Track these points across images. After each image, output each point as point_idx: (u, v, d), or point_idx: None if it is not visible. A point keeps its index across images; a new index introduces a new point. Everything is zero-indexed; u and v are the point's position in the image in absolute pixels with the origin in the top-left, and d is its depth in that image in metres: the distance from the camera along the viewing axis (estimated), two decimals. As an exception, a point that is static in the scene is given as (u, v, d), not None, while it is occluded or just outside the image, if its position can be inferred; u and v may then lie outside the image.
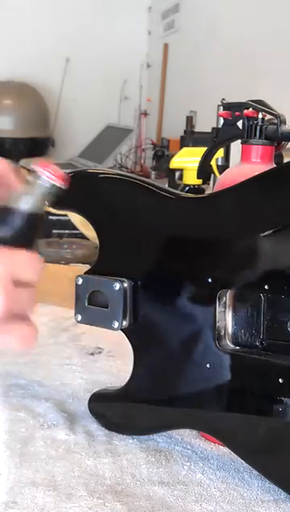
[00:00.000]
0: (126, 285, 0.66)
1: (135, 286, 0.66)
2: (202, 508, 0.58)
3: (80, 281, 0.68)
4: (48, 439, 0.68)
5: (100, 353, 0.93)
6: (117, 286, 0.65)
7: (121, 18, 4.02)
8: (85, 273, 0.69)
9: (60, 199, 0.75)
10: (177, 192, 0.66)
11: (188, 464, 0.65)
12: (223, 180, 0.67)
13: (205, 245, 0.62)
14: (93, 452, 0.66)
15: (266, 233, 0.57)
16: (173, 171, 1.91)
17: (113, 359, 0.90)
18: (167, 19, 3.67)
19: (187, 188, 1.68)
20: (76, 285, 0.68)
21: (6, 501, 0.58)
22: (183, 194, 0.66)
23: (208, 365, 0.62)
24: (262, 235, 0.58)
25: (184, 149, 1.82)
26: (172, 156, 1.76)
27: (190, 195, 0.66)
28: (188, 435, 0.70)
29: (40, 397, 0.78)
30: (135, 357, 0.68)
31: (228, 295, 0.62)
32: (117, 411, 0.71)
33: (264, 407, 0.60)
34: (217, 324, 0.62)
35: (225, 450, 0.67)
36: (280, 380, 0.58)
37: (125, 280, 0.66)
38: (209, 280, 0.61)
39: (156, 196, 0.65)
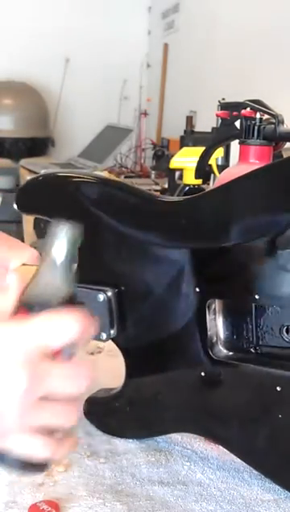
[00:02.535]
0: (110, 294, 0.63)
1: (119, 293, 0.64)
2: (202, 508, 0.58)
3: None
4: (48, 440, 0.68)
5: (100, 352, 0.92)
6: (101, 297, 0.63)
7: (121, 18, 4.02)
8: None
9: (29, 203, 0.72)
10: (157, 195, 0.64)
11: (188, 464, 0.65)
12: (221, 181, 0.66)
13: (189, 252, 0.60)
14: (93, 451, 0.67)
15: (253, 241, 0.56)
16: (173, 171, 1.91)
17: (113, 359, 0.90)
18: (167, 19, 3.67)
19: (187, 188, 1.68)
20: None
21: (6, 500, 0.58)
22: (164, 197, 0.63)
23: (202, 373, 0.62)
24: (249, 244, 0.56)
25: (184, 149, 1.82)
26: (172, 156, 1.76)
27: (171, 198, 0.63)
28: (188, 435, 0.70)
29: (40, 397, 0.78)
30: (126, 363, 0.67)
31: (218, 303, 0.61)
32: (111, 415, 0.70)
33: (262, 413, 0.60)
34: (209, 332, 0.61)
35: (225, 450, 0.67)
36: (278, 388, 0.58)
37: (108, 289, 0.63)
38: (197, 289, 0.60)
39: (136, 201, 0.63)
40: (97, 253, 0.66)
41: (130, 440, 0.69)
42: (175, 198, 0.63)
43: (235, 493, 0.60)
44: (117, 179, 0.65)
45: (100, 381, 0.82)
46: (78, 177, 0.68)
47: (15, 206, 0.71)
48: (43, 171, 2.87)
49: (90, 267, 0.66)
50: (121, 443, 0.68)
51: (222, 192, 0.57)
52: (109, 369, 0.87)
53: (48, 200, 0.69)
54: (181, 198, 0.62)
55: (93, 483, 0.61)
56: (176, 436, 0.70)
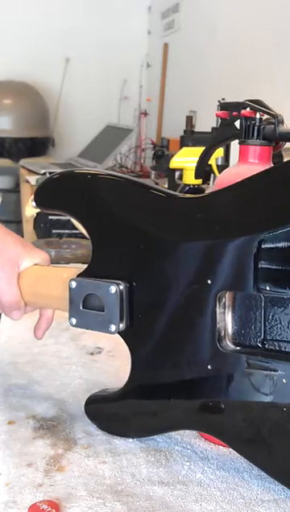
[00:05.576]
0: (122, 287, 0.64)
1: (131, 288, 0.65)
2: (202, 508, 0.58)
3: (74, 284, 0.67)
4: (48, 439, 0.68)
5: (100, 352, 0.93)
6: (113, 289, 0.64)
7: (121, 18, 4.03)
8: (78, 275, 0.68)
9: (49, 200, 0.74)
10: (172, 192, 0.65)
11: (188, 464, 0.65)
12: (221, 181, 0.66)
13: (203, 246, 0.61)
14: (92, 451, 0.67)
15: (265, 233, 0.57)
16: (173, 170, 1.91)
17: (113, 359, 0.90)
18: (167, 19, 3.68)
19: (187, 188, 1.68)
20: (70, 288, 0.67)
21: (5, 500, 0.58)
22: (179, 194, 0.65)
23: (209, 367, 0.62)
24: (261, 235, 0.58)
25: (184, 149, 1.83)
26: (172, 156, 1.76)
27: (187, 195, 0.65)
28: (187, 435, 0.70)
29: (40, 397, 0.78)
30: (133, 359, 0.67)
31: (228, 296, 0.62)
32: (114, 414, 0.70)
33: (268, 408, 0.60)
34: (218, 325, 0.61)
35: (225, 450, 0.67)
36: (284, 380, 0.58)
37: (121, 283, 0.65)
38: (209, 281, 0.61)
39: (151, 197, 0.64)
40: (113, 248, 0.67)
41: (130, 440, 0.69)
42: (193, 195, 0.64)
43: (235, 493, 0.60)
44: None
45: (100, 382, 0.82)
46: (98, 174, 0.68)
47: (33, 203, 0.72)
48: (43, 171, 2.86)
49: (106, 262, 0.67)
50: (121, 443, 0.68)
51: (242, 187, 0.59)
52: (109, 369, 0.87)
53: (68, 196, 0.70)
54: (199, 195, 0.64)
55: (93, 483, 0.61)
56: (176, 436, 0.70)
